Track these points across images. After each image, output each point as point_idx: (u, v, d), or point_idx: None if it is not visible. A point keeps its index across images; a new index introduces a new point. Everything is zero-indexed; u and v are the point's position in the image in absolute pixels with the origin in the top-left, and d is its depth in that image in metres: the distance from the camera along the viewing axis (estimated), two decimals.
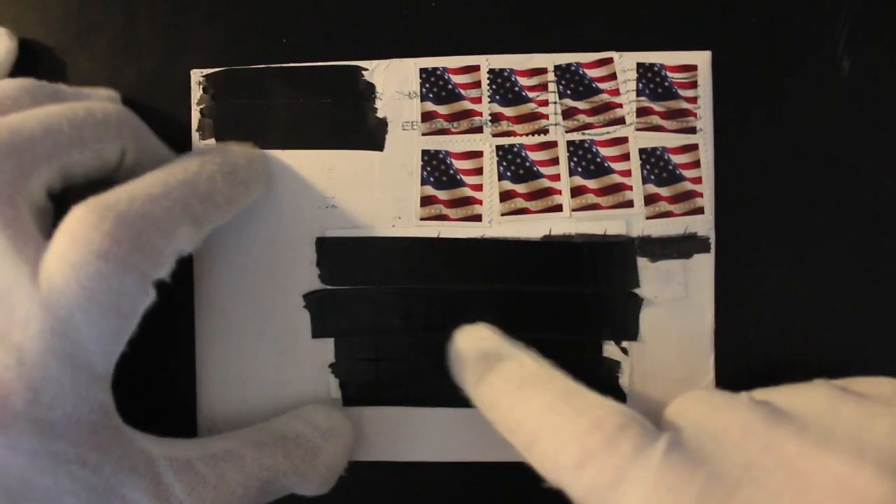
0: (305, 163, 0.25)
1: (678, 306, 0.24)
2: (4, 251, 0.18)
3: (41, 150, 0.20)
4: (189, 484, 0.21)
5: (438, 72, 0.25)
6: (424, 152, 0.25)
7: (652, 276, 0.24)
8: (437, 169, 0.25)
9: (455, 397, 0.24)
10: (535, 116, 0.25)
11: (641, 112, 0.25)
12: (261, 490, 0.22)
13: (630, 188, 0.25)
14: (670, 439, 0.19)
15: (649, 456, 0.19)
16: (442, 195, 0.25)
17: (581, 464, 0.19)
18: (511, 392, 0.21)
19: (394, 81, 0.25)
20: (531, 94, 0.25)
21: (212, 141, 0.25)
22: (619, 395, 0.24)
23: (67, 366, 0.18)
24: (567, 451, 0.19)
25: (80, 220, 0.18)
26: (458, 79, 0.25)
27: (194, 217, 0.20)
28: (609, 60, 0.25)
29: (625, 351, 0.24)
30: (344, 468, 0.24)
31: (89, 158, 0.21)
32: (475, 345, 0.23)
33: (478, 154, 0.25)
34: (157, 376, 0.22)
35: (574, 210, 0.25)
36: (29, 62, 0.25)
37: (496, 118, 0.25)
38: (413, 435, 0.25)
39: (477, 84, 0.25)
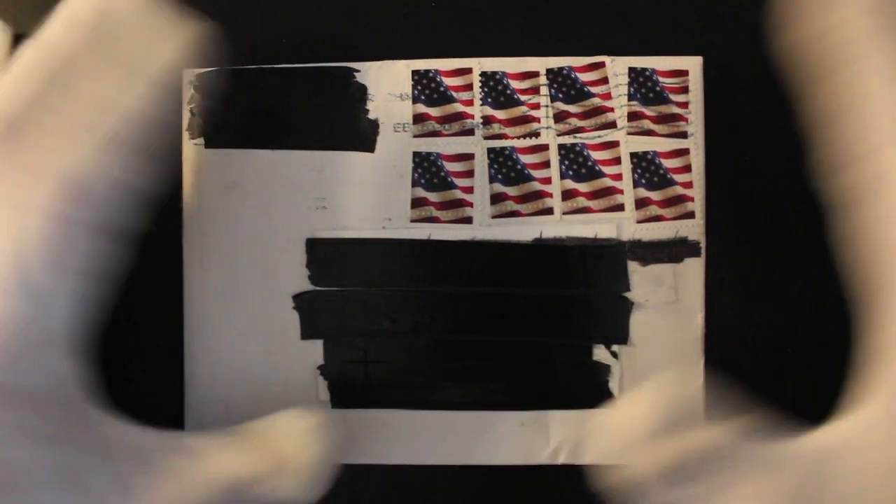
0: (296, 163, 0.25)
1: (668, 310, 0.24)
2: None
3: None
4: (149, 475, 0.20)
5: (430, 74, 0.25)
6: (416, 154, 0.25)
7: (642, 280, 0.24)
8: (428, 171, 0.25)
9: (444, 400, 0.24)
10: (526, 119, 0.25)
11: (633, 116, 0.25)
12: (230, 493, 0.21)
13: (621, 192, 0.25)
14: None
15: None
16: (433, 197, 0.25)
17: None
18: None
19: (386, 83, 0.25)
20: (523, 98, 0.25)
21: (201, 140, 0.25)
22: (608, 398, 0.24)
23: (42, 332, 0.19)
24: None
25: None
26: (450, 81, 0.25)
27: (102, 140, 0.20)
28: (601, 65, 0.25)
29: (615, 354, 0.24)
30: (327, 476, 0.23)
31: None
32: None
33: (469, 156, 0.25)
34: (145, 375, 0.22)
35: (565, 213, 0.25)
36: None
37: (488, 121, 0.25)
38: (402, 438, 0.24)
39: (469, 87, 0.25)
